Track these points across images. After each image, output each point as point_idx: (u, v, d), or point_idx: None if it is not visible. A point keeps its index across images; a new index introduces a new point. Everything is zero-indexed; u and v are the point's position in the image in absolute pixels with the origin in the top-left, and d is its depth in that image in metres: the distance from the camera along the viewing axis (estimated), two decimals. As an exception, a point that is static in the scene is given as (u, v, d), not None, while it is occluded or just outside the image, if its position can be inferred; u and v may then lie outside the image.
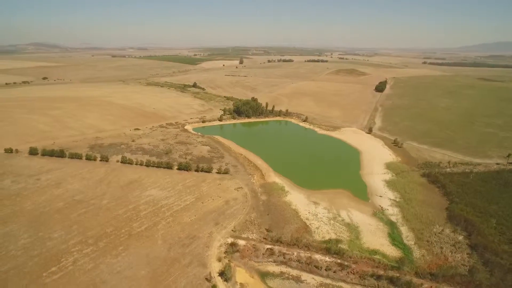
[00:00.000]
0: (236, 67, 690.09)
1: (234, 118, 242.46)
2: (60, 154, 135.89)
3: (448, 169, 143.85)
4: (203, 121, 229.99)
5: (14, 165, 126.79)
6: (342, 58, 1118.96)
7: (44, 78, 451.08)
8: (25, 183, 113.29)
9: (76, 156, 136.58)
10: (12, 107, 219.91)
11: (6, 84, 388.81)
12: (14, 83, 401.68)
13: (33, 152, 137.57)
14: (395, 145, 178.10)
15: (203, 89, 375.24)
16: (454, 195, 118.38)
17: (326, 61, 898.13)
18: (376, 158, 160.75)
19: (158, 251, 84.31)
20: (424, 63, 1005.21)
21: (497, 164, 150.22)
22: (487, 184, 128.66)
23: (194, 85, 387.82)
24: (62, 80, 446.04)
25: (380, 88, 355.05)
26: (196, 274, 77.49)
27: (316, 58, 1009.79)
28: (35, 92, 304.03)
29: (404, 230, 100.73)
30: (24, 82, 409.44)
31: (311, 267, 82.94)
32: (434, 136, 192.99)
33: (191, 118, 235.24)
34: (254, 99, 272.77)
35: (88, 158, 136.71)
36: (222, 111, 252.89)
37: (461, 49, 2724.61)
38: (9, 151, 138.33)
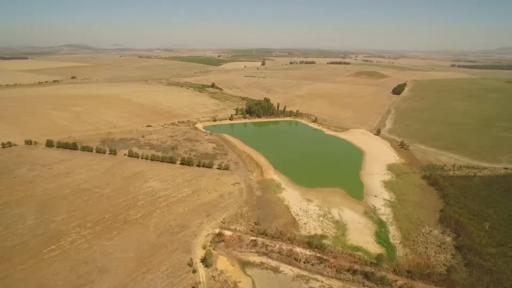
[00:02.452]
0: (257, 69, 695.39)
1: (244, 117, 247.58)
2: (73, 146, 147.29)
3: (451, 172, 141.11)
4: (214, 120, 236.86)
5: (31, 155, 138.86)
6: (367, 61, 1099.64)
7: (73, 78, 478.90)
8: (39, 171, 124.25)
9: (87, 149, 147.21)
10: (39, 104, 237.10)
11: (39, 83, 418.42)
12: (46, 82, 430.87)
13: (49, 144, 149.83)
14: (401, 147, 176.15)
15: (221, 89, 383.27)
16: (451, 198, 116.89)
17: (349, 63, 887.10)
18: (379, 159, 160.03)
19: (149, 237, 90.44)
20: (453, 66, 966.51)
21: (505, 168, 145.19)
22: (488, 188, 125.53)
23: (212, 86, 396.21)
24: (89, 79, 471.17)
25: (397, 90, 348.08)
26: (179, 259, 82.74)
27: (338, 60, 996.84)
28: (62, 90, 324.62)
29: (392, 230, 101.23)
30: (54, 81, 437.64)
31: (291, 259, 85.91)
32: (444, 139, 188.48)
33: (203, 117, 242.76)
34: (266, 100, 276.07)
35: (98, 151, 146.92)
36: (235, 111, 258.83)
37: (498, 51, 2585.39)
38: (29, 142, 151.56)
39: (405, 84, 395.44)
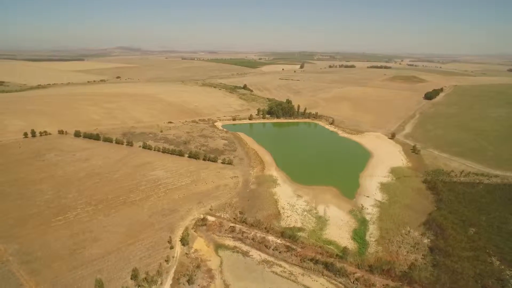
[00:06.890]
0: (294, 72, 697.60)
1: (264, 117, 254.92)
2: (96, 137, 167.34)
3: (455, 178, 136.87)
4: (234, 119, 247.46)
5: (60, 143, 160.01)
6: (411, 65, 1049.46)
7: (117, 77, 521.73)
8: (63, 156, 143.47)
9: (108, 140, 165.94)
10: (80, 100, 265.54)
11: (88, 82, 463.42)
12: (94, 81, 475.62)
13: (77, 134, 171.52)
14: (412, 152, 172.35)
15: (251, 91, 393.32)
16: (444, 202, 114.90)
17: (390, 67, 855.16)
18: (385, 162, 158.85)
19: (141, 217, 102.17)
20: (510, 70, 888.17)
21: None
22: (490, 195, 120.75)
23: (244, 87, 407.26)
24: (131, 79, 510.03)
25: (429, 95, 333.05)
26: (162, 237, 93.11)
27: (380, 64, 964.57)
28: (104, 88, 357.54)
29: (372, 228, 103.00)
30: (101, 80, 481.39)
31: (261, 245, 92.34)
32: (462, 145, 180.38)
33: (225, 116, 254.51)
34: (288, 101, 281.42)
35: (117, 142, 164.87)
36: (257, 111, 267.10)
37: None
38: (61, 132, 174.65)
39: (441, 90, 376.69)
